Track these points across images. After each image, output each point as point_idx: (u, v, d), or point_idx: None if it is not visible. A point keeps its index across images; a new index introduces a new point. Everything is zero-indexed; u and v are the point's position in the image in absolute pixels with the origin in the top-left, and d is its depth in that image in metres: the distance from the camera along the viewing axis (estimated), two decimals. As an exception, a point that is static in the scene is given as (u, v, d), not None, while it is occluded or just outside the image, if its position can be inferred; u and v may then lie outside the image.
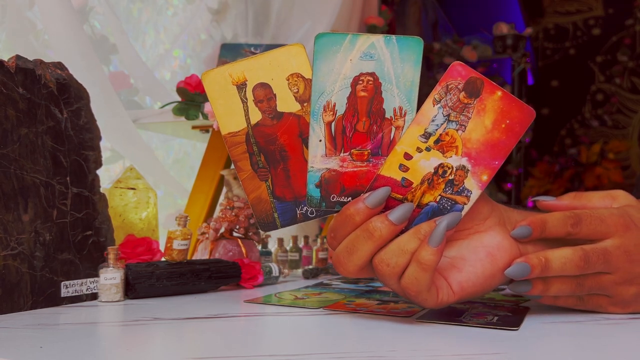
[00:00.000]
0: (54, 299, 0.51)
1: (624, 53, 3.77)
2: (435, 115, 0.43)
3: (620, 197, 0.51)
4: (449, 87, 0.43)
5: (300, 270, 0.88)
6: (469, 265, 0.45)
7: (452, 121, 0.43)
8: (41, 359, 0.33)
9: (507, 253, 0.46)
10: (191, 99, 0.94)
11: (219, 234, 0.73)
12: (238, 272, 0.65)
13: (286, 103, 0.45)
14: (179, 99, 0.96)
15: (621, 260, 0.46)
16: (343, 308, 0.51)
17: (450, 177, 0.44)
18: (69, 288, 0.52)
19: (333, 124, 0.44)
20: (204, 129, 1.03)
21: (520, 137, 0.44)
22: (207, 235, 0.73)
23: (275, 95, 0.45)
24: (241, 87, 0.45)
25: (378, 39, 0.43)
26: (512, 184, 3.37)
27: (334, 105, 0.44)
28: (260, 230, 0.76)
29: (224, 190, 0.80)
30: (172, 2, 1.29)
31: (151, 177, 1.07)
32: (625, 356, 0.36)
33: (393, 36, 0.43)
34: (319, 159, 0.44)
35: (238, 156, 0.46)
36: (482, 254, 0.46)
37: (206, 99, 0.93)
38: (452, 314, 0.48)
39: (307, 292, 0.62)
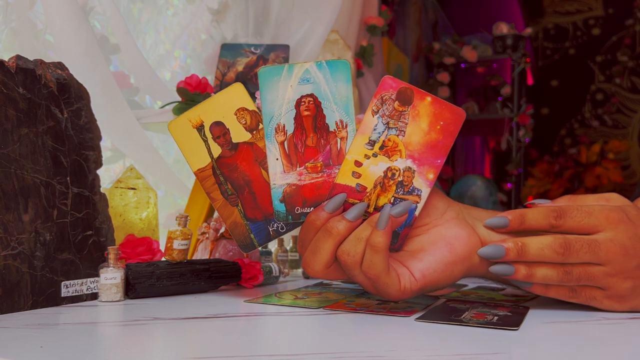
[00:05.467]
0: (54, 299, 0.51)
1: (624, 53, 3.77)
2: (376, 125, 0.48)
3: (615, 199, 0.52)
4: (384, 98, 0.48)
5: (300, 270, 0.88)
6: (429, 254, 0.49)
7: (392, 128, 0.48)
8: (41, 358, 0.33)
9: (465, 242, 0.49)
10: (191, 99, 0.94)
11: (219, 234, 0.73)
12: (238, 272, 0.65)
13: (239, 134, 0.52)
14: (179, 99, 0.96)
15: (613, 253, 0.46)
16: (343, 308, 0.51)
17: (399, 179, 0.48)
18: (69, 288, 0.52)
19: (285, 142, 0.49)
20: (204, 129, 1.02)
21: (456, 136, 0.49)
22: (207, 235, 0.73)
23: (228, 129, 0.52)
24: (200, 128, 0.52)
25: (311, 65, 0.49)
26: (512, 184, 3.37)
27: (284, 126, 0.49)
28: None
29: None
30: (173, 2, 1.29)
31: (154, 176, 1.07)
32: (625, 356, 0.36)
33: (323, 61, 0.49)
34: (279, 175, 0.49)
35: (209, 188, 0.52)
36: (441, 243, 0.49)
37: (207, 98, 0.93)
38: (452, 314, 0.48)
39: (307, 291, 0.62)
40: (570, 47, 3.96)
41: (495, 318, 0.46)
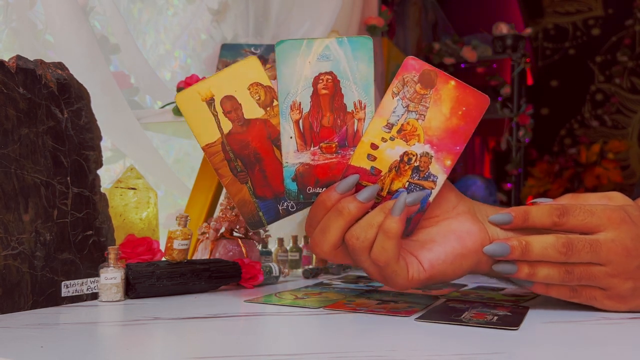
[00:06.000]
0: (54, 299, 0.51)
1: (623, 53, 3.77)
2: (395, 107, 0.47)
3: (617, 198, 0.52)
4: (405, 80, 0.46)
5: (300, 270, 0.88)
6: (438, 245, 0.48)
7: (412, 111, 0.47)
8: (41, 358, 0.33)
9: (475, 237, 0.48)
10: (191, 99, 0.94)
11: (219, 234, 0.73)
12: (238, 271, 0.65)
13: (251, 110, 0.50)
14: (179, 99, 0.96)
15: (614, 253, 0.46)
16: (343, 308, 0.51)
17: (415, 164, 0.47)
18: (69, 288, 0.52)
19: (300, 121, 0.48)
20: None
21: (478, 122, 0.47)
22: (207, 235, 0.73)
23: (240, 105, 0.50)
24: (210, 102, 0.50)
25: (331, 41, 0.47)
26: (511, 184, 3.37)
27: (300, 104, 0.47)
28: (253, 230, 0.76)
29: (224, 190, 0.80)
30: (173, 2, 1.29)
31: (154, 176, 1.07)
32: (625, 356, 0.36)
33: (345, 37, 0.47)
34: (292, 154, 0.48)
35: (218, 164, 0.51)
36: (451, 236, 0.48)
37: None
38: (452, 314, 0.48)
39: (307, 291, 0.62)
40: (570, 48, 3.96)
41: (495, 318, 0.46)
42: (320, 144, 0.48)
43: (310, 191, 0.48)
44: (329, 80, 0.47)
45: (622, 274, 0.47)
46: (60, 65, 0.56)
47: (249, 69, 0.50)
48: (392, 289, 0.53)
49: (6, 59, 0.51)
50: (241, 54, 1.12)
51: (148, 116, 0.99)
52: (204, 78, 0.50)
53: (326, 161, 0.48)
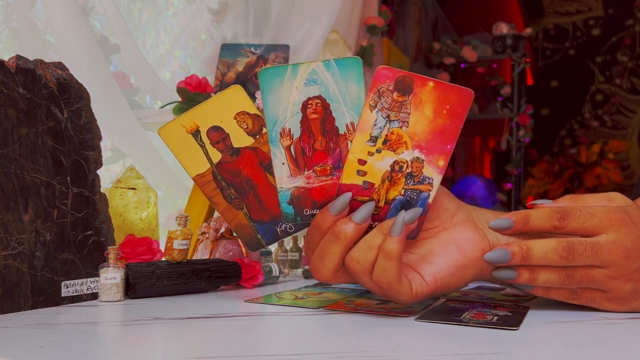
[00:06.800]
0: (54, 299, 0.51)
1: (623, 53, 3.77)
2: (376, 120, 0.45)
3: (617, 199, 0.51)
4: (380, 91, 0.45)
5: (300, 270, 0.88)
6: (439, 258, 0.47)
7: (393, 120, 0.45)
8: (41, 358, 0.33)
9: (476, 246, 0.47)
10: (191, 99, 0.94)
11: (219, 234, 0.73)
12: (238, 271, 0.65)
13: (240, 139, 0.49)
14: (179, 99, 0.96)
15: (615, 255, 0.46)
16: (343, 308, 0.51)
17: (408, 171, 0.46)
18: (69, 288, 0.52)
19: (292, 147, 0.47)
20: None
21: (465, 117, 0.45)
22: (207, 235, 0.73)
23: (228, 134, 0.49)
24: (196, 134, 0.49)
25: (318, 65, 0.45)
26: (511, 184, 3.37)
27: (290, 130, 0.46)
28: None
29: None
30: (173, 3, 1.29)
31: (154, 176, 1.07)
32: (625, 356, 0.36)
33: (332, 59, 0.45)
34: (286, 179, 0.47)
35: (210, 193, 0.50)
36: (452, 247, 0.48)
37: (207, 98, 0.93)
38: (452, 314, 0.48)
39: (307, 291, 0.62)
40: (570, 48, 3.96)
41: (495, 318, 0.46)
42: (315, 168, 0.47)
43: (308, 213, 0.47)
44: (318, 105, 0.46)
45: (622, 276, 0.47)
46: (60, 65, 0.56)
47: (233, 98, 0.49)
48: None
49: (6, 59, 0.51)
50: (241, 53, 1.12)
51: (148, 116, 0.99)
52: (190, 110, 0.49)
53: (321, 183, 0.47)
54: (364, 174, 0.46)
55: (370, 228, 0.46)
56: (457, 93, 0.45)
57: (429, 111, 0.45)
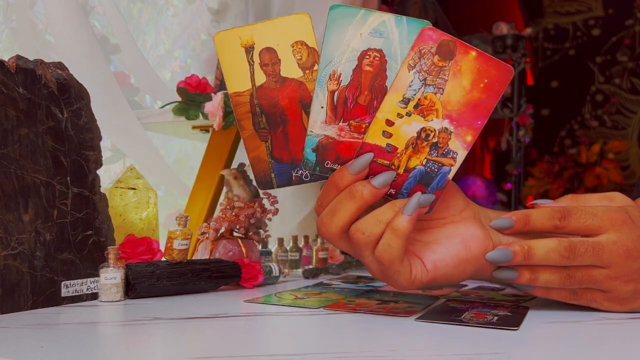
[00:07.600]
0: (54, 299, 0.51)
1: (623, 53, 3.77)
2: (412, 81, 0.44)
3: (617, 199, 0.51)
4: (422, 51, 0.43)
5: (300, 270, 0.88)
6: (443, 247, 0.47)
7: (429, 85, 0.44)
8: (41, 358, 0.33)
9: (480, 242, 0.48)
10: (191, 99, 0.94)
11: (219, 234, 0.73)
12: (238, 271, 0.65)
13: (289, 69, 0.47)
14: (179, 99, 0.96)
15: (616, 255, 0.46)
16: (343, 308, 0.51)
17: (434, 140, 0.45)
18: (69, 288, 0.52)
19: (336, 93, 0.45)
20: (204, 129, 1.03)
21: (500, 95, 0.45)
22: (207, 235, 0.73)
23: (279, 60, 0.47)
24: (249, 49, 0.47)
25: (389, 18, 0.44)
26: (512, 184, 3.37)
27: (339, 76, 0.45)
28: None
29: (224, 190, 0.80)
30: (173, 3, 1.29)
31: (154, 176, 1.07)
32: (625, 356, 0.36)
33: (404, 17, 0.44)
34: (319, 124, 0.46)
35: (241, 115, 0.48)
36: (457, 239, 0.48)
37: (207, 99, 0.93)
38: (452, 314, 0.48)
39: (307, 292, 0.62)
40: (570, 48, 3.96)
41: (495, 318, 0.46)
42: (350, 121, 0.45)
43: (328, 165, 0.46)
44: (376, 58, 0.44)
45: (623, 276, 0.47)
46: (60, 65, 0.56)
47: (298, 25, 0.46)
48: (392, 288, 0.53)
49: (6, 59, 0.51)
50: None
51: (148, 116, 0.99)
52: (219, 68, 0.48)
53: (351, 139, 0.45)
54: (390, 135, 0.45)
55: (383, 198, 0.46)
56: (498, 68, 0.44)
57: (467, 82, 0.44)
